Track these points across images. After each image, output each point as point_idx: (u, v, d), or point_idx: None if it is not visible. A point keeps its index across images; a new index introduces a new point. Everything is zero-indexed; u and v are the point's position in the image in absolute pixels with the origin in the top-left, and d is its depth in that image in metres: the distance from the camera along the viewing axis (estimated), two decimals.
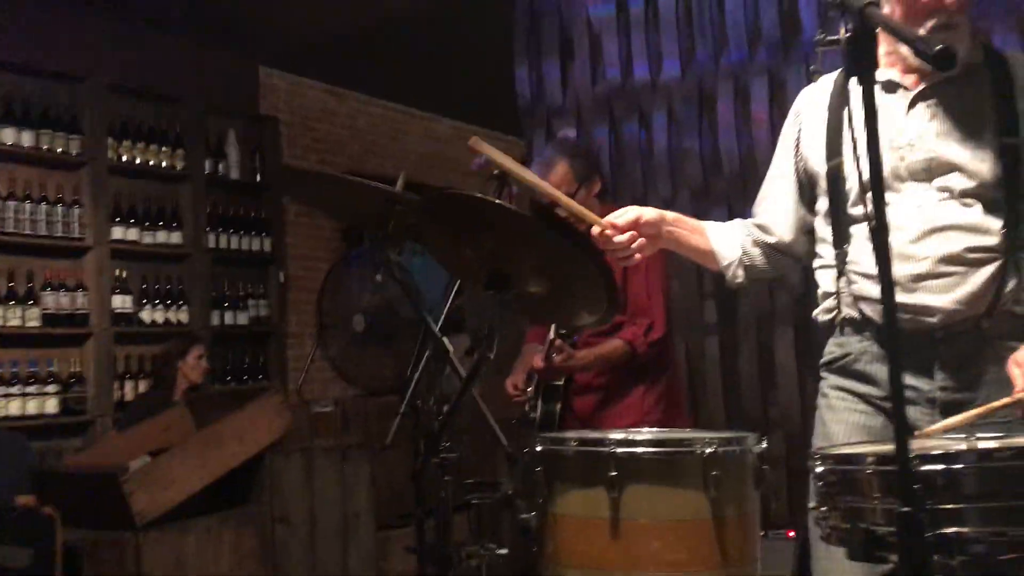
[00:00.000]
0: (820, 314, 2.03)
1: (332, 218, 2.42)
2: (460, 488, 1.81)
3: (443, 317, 2.27)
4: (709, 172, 4.62)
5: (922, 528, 1.14)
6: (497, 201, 1.41)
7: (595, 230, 1.94)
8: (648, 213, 2.03)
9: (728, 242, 2.14)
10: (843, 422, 1.92)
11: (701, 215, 2.30)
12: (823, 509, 1.39)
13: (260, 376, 5.86)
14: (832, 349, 1.99)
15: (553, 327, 3.09)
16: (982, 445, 1.35)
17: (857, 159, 1.32)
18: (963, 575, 1.33)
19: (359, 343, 3.91)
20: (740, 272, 2.14)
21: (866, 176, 1.30)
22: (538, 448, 1.77)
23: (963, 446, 1.37)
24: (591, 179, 3.08)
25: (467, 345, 4.73)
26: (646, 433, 1.70)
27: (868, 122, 1.29)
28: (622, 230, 1.96)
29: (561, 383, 3.04)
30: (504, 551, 1.77)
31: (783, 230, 2.10)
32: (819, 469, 1.41)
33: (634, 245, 1.97)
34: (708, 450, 1.62)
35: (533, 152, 4.91)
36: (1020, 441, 1.36)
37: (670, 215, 2.10)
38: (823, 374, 2.03)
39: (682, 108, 4.74)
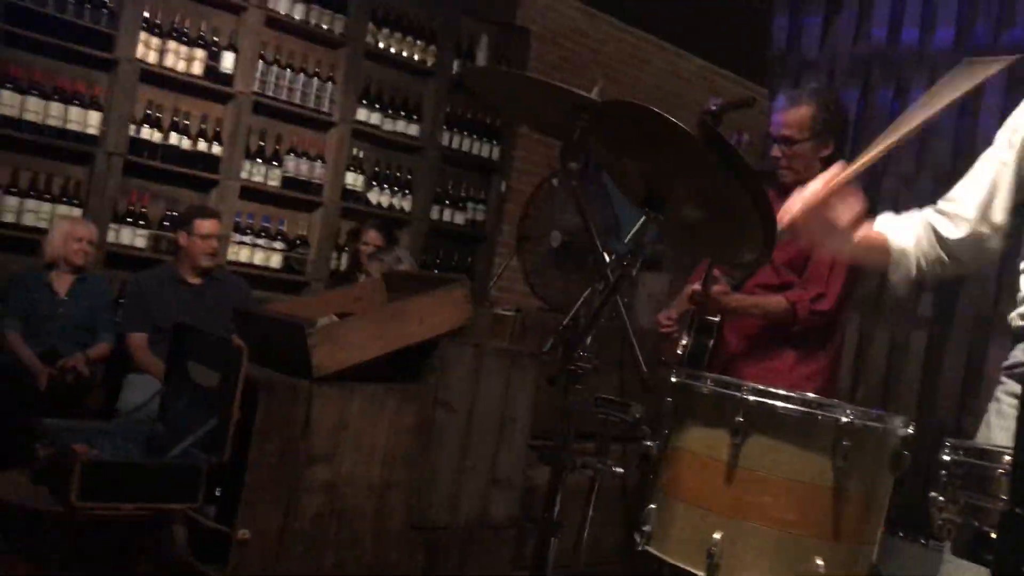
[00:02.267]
0: (1016, 319, 1.88)
1: (531, 128, 2.43)
2: (590, 401, 1.83)
3: (628, 241, 2.26)
4: (959, 156, 4.27)
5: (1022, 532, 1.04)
6: (671, 119, 1.38)
7: (827, 180, 1.87)
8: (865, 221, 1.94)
9: (905, 238, 1.99)
10: (1008, 430, 1.77)
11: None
12: (941, 500, 1.31)
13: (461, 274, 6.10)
14: (1017, 355, 1.84)
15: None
16: None
17: None
18: None
19: (553, 259, 3.99)
20: (912, 269, 2.00)
21: None
22: (673, 379, 1.76)
23: None
24: (824, 139, 2.90)
25: (665, 285, 4.70)
26: (785, 392, 1.64)
27: None
28: (843, 216, 1.87)
29: (716, 320, 2.92)
30: (620, 470, 1.78)
31: (981, 225, 1.93)
32: (947, 458, 1.32)
33: (831, 235, 1.89)
34: (843, 418, 1.55)
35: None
36: None
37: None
38: (1002, 378, 1.88)
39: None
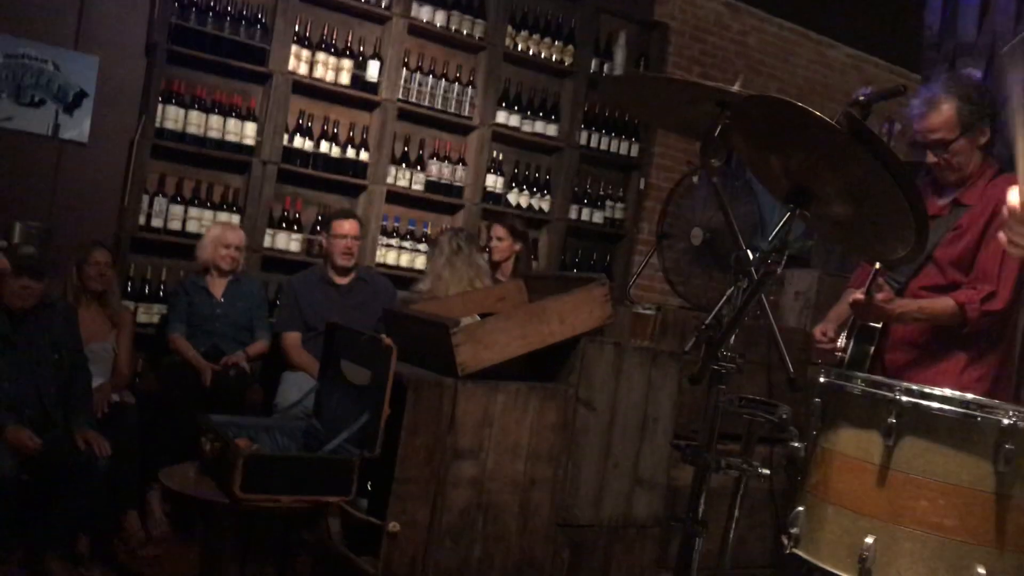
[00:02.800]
0: None
1: (670, 130, 2.39)
2: (736, 401, 1.81)
3: (772, 238, 2.22)
4: None
5: None
6: (814, 112, 1.35)
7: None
8: None
9: None
10: None
11: None
12: None
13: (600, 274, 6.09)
14: None
15: (878, 264, 2.85)
16: None
17: None
18: None
19: (693, 257, 3.94)
20: None
21: None
22: (822, 379, 1.73)
23: None
24: (978, 127, 2.76)
25: (813, 282, 4.56)
26: (941, 390, 1.58)
27: None
28: None
29: (878, 327, 2.82)
30: (766, 472, 1.76)
31: None
32: None
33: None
34: (1006, 420, 1.48)
35: None
36: None
37: None
38: None
39: None
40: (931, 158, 2.78)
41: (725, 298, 2.12)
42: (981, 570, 1.49)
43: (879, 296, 2.63)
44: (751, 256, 1.78)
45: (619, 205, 6.21)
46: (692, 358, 2.25)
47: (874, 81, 6.22)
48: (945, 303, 2.67)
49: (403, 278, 5.25)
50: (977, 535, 1.49)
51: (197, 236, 4.70)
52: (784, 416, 1.76)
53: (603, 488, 3.37)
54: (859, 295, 2.70)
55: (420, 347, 3.05)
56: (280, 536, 2.85)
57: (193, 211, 4.81)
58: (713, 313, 2.12)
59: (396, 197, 5.38)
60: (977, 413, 1.53)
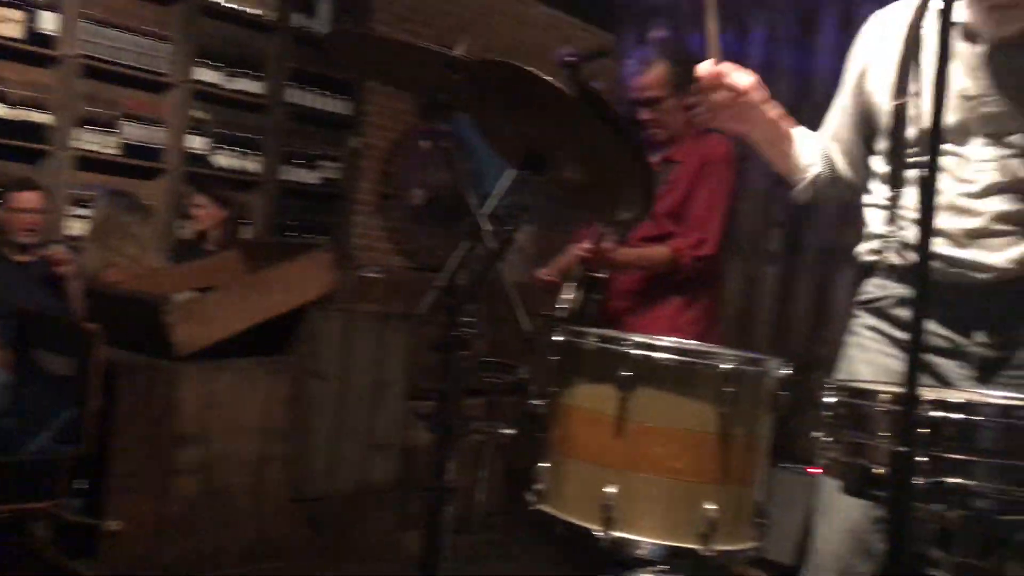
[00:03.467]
0: (864, 253, 1.96)
1: (392, 87, 2.35)
2: (476, 365, 1.81)
3: (495, 197, 2.24)
4: (801, 95, 4.45)
5: (911, 473, 1.10)
6: (545, 78, 1.36)
7: (708, 65, 1.88)
8: (763, 92, 1.95)
9: (812, 154, 2.06)
10: (871, 363, 1.87)
11: None
12: (827, 440, 1.37)
13: (322, 237, 5.94)
14: (871, 289, 1.93)
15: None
16: (1004, 401, 1.30)
17: (922, 103, 1.25)
18: (959, 528, 1.30)
19: (418, 217, 3.94)
20: (811, 189, 2.07)
21: (929, 123, 1.23)
22: (557, 338, 1.77)
23: (985, 400, 1.32)
24: (684, 89, 2.98)
25: (531, 238, 4.72)
26: (667, 341, 1.68)
27: (939, 68, 1.21)
28: (734, 89, 1.89)
29: (604, 277, 3.00)
30: (510, 432, 1.78)
31: (842, 164, 2.02)
32: (830, 400, 1.38)
33: (730, 112, 1.91)
34: (726, 365, 1.59)
35: (621, 48, 4.78)
36: None
37: (776, 107, 2.02)
38: (857, 312, 1.98)
39: (785, 25, 4.54)
40: (644, 115, 2.97)
41: (456, 259, 2.13)
42: (709, 505, 1.59)
43: (604, 247, 2.81)
44: (486, 219, 1.78)
45: (334, 164, 6.06)
46: (427, 320, 2.24)
47: (571, 40, 6.48)
48: (661, 251, 2.91)
49: None
50: (705, 474, 1.60)
51: None
52: (524, 376, 1.80)
53: (338, 458, 3.31)
54: (586, 246, 2.86)
55: (130, 328, 2.80)
56: None
57: None
58: (445, 274, 2.12)
59: (89, 163, 4.89)
60: (700, 361, 1.62)
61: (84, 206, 4.86)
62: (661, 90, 2.93)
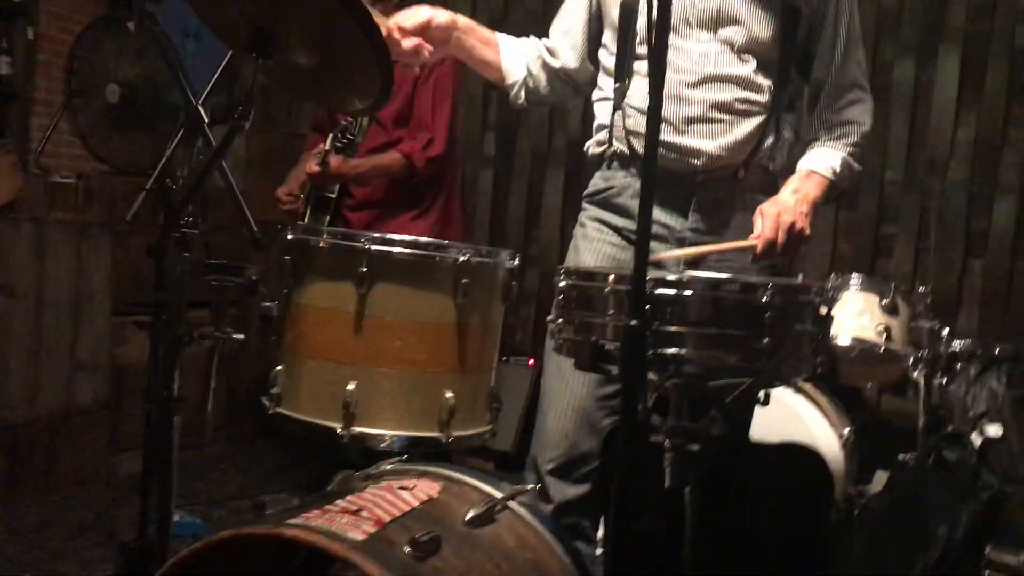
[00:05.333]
0: (592, 146, 2.06)
1: None
2: (201, 268, 1.72)
3: (207, 93, 2.10)
4: (512, 1, 4.53)
5: (644, 343, 1.19)
6: None
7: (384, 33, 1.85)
8: (440, 16, 1.96)
9: (517, 60, 2.11)
10: (595, 251, 1.99)
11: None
12: (559, 321, 1.44)
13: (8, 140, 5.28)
14: (597, 182, 2.04)
15: (330, 137, 2.99)
16: (713, 276, 1.44)
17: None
18: (676, 395, 1.43)
19: (113, 118, 3.60)
20: (522, 94, 2.13)
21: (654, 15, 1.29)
22: (289, 237, 1.71)
23: (695, 276, 1.44)
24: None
25: (242, 139, 4.48)
26: (403, 236, 1.68)
27: None
28: (410, 34, 1.89)
29: (334, 195, 2.96)
30: (240, 336, 1.72)
31: (569, 57, 2.10)
32: (562, 284, 1.45)
33: (422, 54, 1.91)
34: (461, 257, 1.62)
35: None
36: (748, 278, 1.46)
37: (462, 21, 2.03)
38: (584, 205, 2.08)
39: None
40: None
41: (165, 159, 1.98)
42: (449, 394, 1.63)
43: (332, 163, 2.73)
44: (202, 112, 1.66)
45: (5, 59, 5.36)
46: (135, 227, 2.08)
47: None
48: (393, 156, 2.88)
49: None
50: (444, 364, 1.64)
51: None
52: (253, 278, 1.73)
53: (38, 380, 3.02)
54: (314, 165, 2.76)
55: None
56: None
57: None
58: (154, 176, 1.97)
59: None
60: (436, 253, 1.64)
61: None
62: None
